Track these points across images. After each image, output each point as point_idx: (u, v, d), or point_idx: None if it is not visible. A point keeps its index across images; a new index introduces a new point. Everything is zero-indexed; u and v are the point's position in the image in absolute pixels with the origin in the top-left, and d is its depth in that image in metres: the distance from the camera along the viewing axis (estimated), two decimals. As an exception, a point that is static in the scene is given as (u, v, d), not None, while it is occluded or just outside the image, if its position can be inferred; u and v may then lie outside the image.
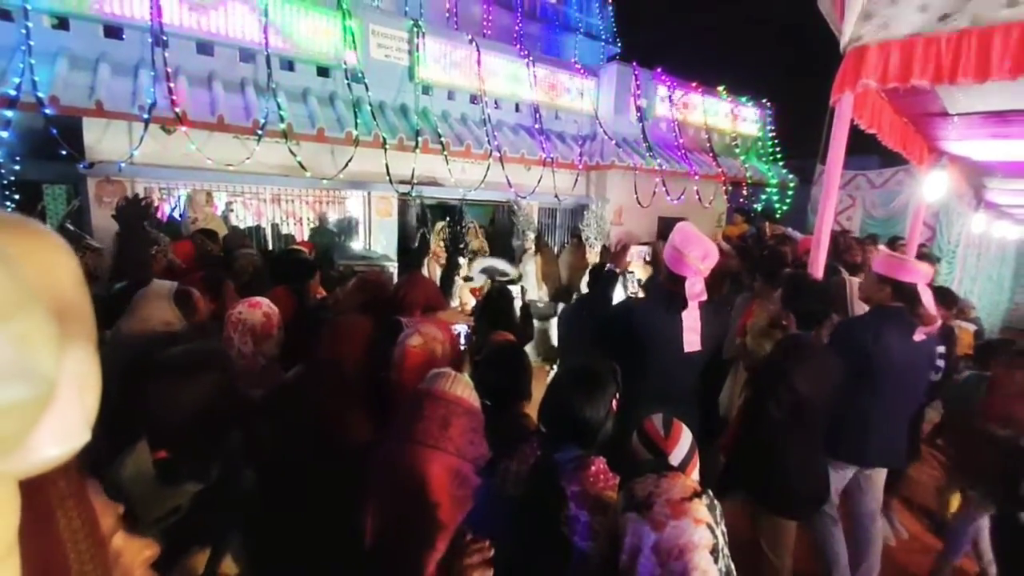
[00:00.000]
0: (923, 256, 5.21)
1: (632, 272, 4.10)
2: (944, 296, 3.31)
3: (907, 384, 2.41)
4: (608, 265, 2.50)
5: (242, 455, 1.39)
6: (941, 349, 3.13)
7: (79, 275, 0.41)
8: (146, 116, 4.01)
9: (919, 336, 2.33)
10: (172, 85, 4.16)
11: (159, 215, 4.60)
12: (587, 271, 5.48)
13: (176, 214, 4.85)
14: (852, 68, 2.44)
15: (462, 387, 1.23)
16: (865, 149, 4.88)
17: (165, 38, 4.27)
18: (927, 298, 2.34)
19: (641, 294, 4.41)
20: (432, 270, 5.53)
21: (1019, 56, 2.07)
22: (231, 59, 4.78)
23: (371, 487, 1.21)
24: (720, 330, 2.23)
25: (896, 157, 4.20)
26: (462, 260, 5.42)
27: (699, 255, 1.95)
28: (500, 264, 5.63)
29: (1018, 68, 2.08)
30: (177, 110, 4.11)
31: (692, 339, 2.01)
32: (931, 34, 2.25)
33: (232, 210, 5.71)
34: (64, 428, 0.37)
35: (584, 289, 5.32)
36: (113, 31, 4.29)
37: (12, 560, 0.40)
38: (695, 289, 1.97)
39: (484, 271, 5.44)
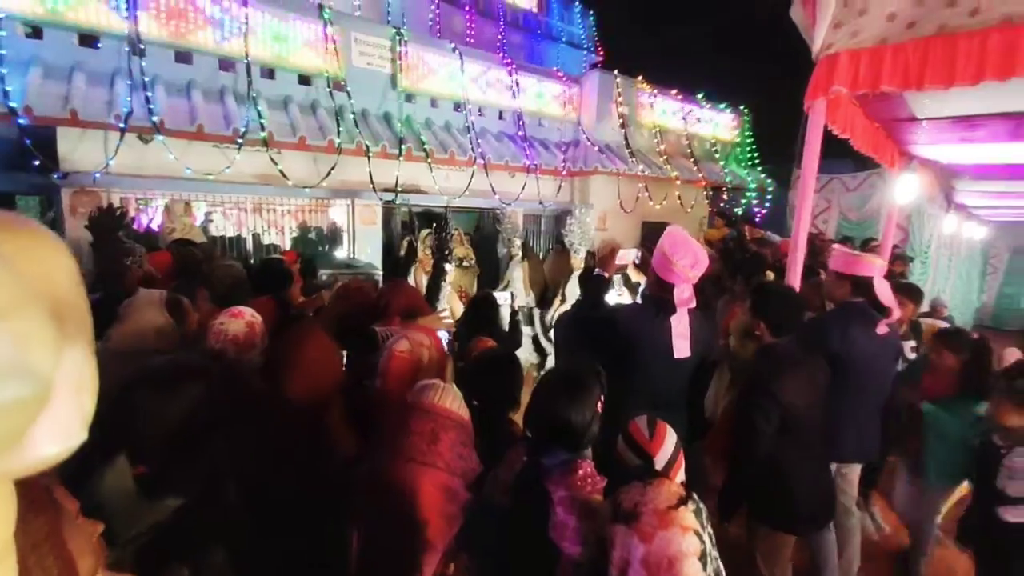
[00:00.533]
0: (897, 257, 5.37)
1: (628, 275, 4.12)
2: (910, 291, 3.42)
3: (874, 378, 2.46)
4: (596, 270, 2.50)
5: (226, 469, 1.35)
6: (913, 343, 3.21)
7: (77, 275, 0.41)
8: (123, 125, 3.94)
9: (882, 329, 2.38)
10: (149, 94, 4.09)
11: (135, 226, 4.50)
12: (571, 276, 5.52)
13: (154, 225, 4.75)
14: (824, 75, 2.51)
15: (451, 399, 1.20)
16: (839, 153, 5.00)
17: (142, 47, 4.20)
18: (883, 290, 2.40)
19: (627, 299, 4.43)
20: (419, 278, 5.49)
21: (982, 62, 2.15)
22: (210, 68, 4.73)
23: (356, 506, 1.18)
24: (709, 335, 2.21)
25: (869, 161, 4.32)
26: (448, 267, 5.41)
27: (688, 263, 1.92)
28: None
29: (981, 74, 2.16)
30: (155, 119, 4.04)
31: (681, 345, 1.99)
32: (899, 42, 2.33)
33: (212, 220, 5.61)
34: (62, 427, 0.37)
35: (569, 295, 5.34)
36: (88, 40, 4.22)
37: (9, 560, 0.40)
38: (684, 296, 1.94)
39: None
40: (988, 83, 2.16)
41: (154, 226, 4.71)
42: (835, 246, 3.15)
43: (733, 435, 2.62)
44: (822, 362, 2.13)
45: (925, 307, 4.50)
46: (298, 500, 1.36)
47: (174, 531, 1.12)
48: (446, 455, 1.12)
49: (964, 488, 3.13)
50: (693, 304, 2.00)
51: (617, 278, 4.13)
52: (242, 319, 1.75)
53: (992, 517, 2.29)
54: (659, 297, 2.00)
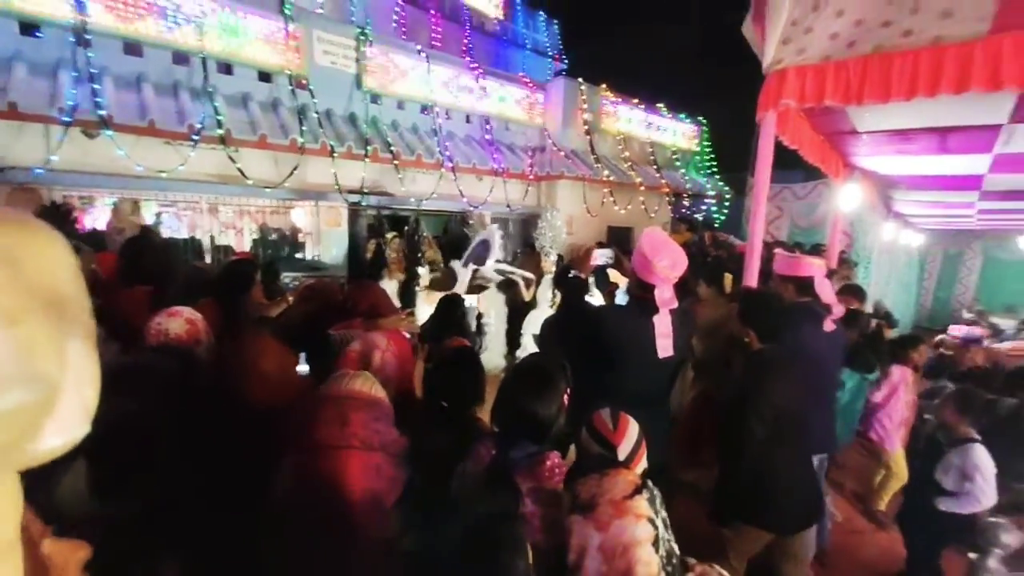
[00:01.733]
0: (844, 261, 5.71)
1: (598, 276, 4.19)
2: (855, 292, 3.69)
3: (826, 372, 2.60)
4: (573, 271, 2.52)
5: (183, 474, 1.31)
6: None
7: (76, 269, 0.42)
8: (67, 118, 3.73)
9: (829, 326, 2.53)
10: (96, 87, 3.90)
11: (78, 226, 4.25)
12: (541, 279, 5.57)
13: (99, 225, 4.50)
14: (774, 89, 2.66)
15: (360, 382, 1.22)
16: (790, 164, 5.29)
17: (88, 37, 4.00)
18: (824, 289, 2.56)
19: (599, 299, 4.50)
20: (392, 281, 5.40)
21: (914, 79, 2.34)
22: (163, 61, 4.54)
23: (279, 504, 1.16)
24: (688, 334, 2.24)
25: (817, 171, 4.59)
26: (421, 270, 5.37)
27: (668, 264, 1.94)
28: (515, 269, 5.52)
29: (913, 90, 2.35)
30: (102, 112, 3.85)
31: (665, 344, 2.02)
32: (840, 59, 2.51)
33: (162, 222, 5.37)
34: (65, 421, 0.38)
35: (540, 298, 5.38)
36: (29, 28, 3.97)
37: (15, 555, 0.41)
38: (664, 296, 1.97)
39: (498, 271, 5.35)
40: (920, 99, 2.35)
41: (99, 226, 4.47)
42: (776, 250, 3.33)
43: (698, 430, 2.72)
44: (805, 368, 2.17)
45: (868, 309, 4.81)
46: (257, 506, 1.33)
47: (127, 535, 1.08)
48: (360, 433, 1.13)
49: (904, 477, 3.38)
50: (674, 304, 2.04)
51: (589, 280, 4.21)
52: (180, 317, 1.70)
53: (927, 505, 2.50)
54: (641, 298, 2.03)
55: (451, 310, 2.63)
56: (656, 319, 1.99)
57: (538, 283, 5.62)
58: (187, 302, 1.94)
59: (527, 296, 5.41)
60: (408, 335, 2.21)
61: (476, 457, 1.28)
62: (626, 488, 1.02)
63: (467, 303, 2.77)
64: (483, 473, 1.23)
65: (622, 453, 1.22)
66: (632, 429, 1.24)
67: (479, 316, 3.42)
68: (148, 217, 4.95)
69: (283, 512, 1.13)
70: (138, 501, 1.14)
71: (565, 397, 1.35)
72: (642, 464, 1.24)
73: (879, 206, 6.38)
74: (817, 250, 5.87)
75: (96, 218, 4.54)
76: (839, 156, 4.42)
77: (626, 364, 2.00)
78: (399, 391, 1.52)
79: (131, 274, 2.53)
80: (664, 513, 1.09)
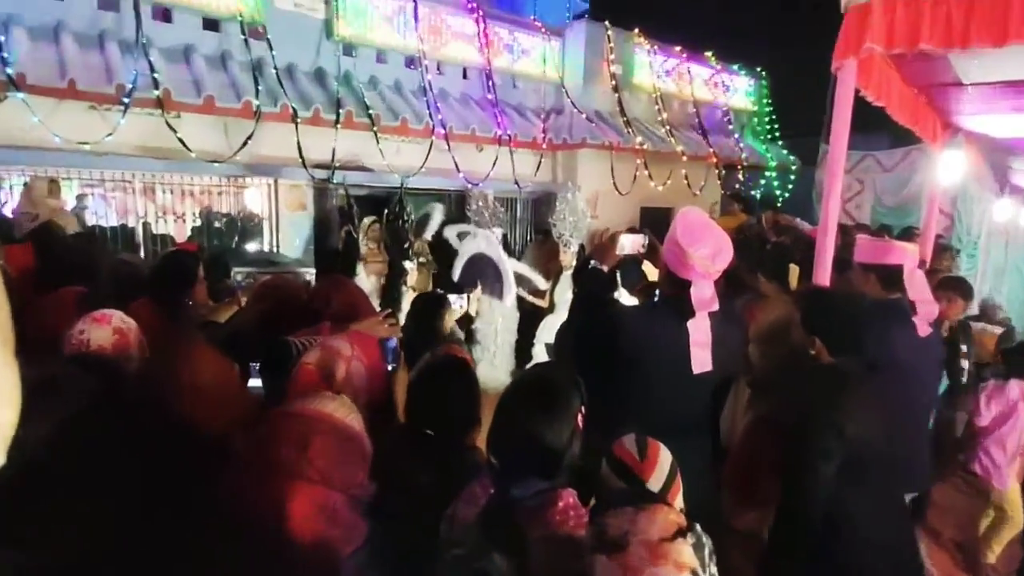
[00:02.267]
0: (943, 249, 5.62)
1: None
2: (958, 286, 3.59)
3: (919, 388, 2.54)
4: (592, 262, 2.49)
5: (100, 518, 1.32)
6: (964, 348, 3.39)
7: None
8: (-34, 79, 3.79)
9: (924, 329, 2.46)
10: (2, 39, 3.95)
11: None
12: (560, 276, 5.55)
13: (7, 210, 4.57)
14: (854, 30, 2.61)
15: (335, 405, 1.23)
16: (874, 126, 5.22)
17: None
18: (916, 281, 2.51)
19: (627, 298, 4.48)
20: (368, 279, 5.43)
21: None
22: (86, 6, 4.60)
23: (209, 534, 1.17)
24: (736, 344, 2.17)
25: (910, 135, 4.52)
26: (409, 265, 5.38)
27: (707, 254, 1.88)
28: (527, 271, 5.53)
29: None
30: (10, 71, 3.90)
31: (701, 356, 1.97)
32: (940, -10, 2.46)
33: (86, 205, 5.45)
34: None
35: (559, 300, 5.36)
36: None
37: None
38: (703, 295, 1.91)
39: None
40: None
41: (7, 211, 4.53)
42: (858, 235, 3.28)
43: (755, 464, 2.67)
44: (894, 389, 2.10)
45: (974, 309, 4.72)
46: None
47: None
48: (319, 462, 1.13)
49: (1020, 523, 3.31)
50: (715, 306, 1.97)
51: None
52: (108, 326, 1.72)
53: None
54: (673, 297, 1.98)
55: (428, 312, 2.62)
56: (691, 324, 1.94)
57: (556, 280, 5.60)
58: (117, 304, 1.97)
59: (543, 303, 5.41)
60: (392, 340, 2.21)
61: (469, 497, 1.28)
62: (666, 528, 1.00)
63: (455, 303, 2.72)
64: (478, 517, 1.23)
65: (653, 486, 1.22)
66: (664, 458, 1.23)
67: (470, 320, 3.40)
68: (70, 200, 5.02)
69: (213, 552, 1.13)
70: (48, 551, 1.15)
71: (579, 419, 1.33)
72: (679, 501, 1.23)
73: (989, 178, 6.27)
74: (909, 234, 5.79)
75: (4, 201, 4.61)
76: (937, 115, 4.35)
77: (650, 381, 1.95)
78: (369, 408, 1.52)
79: (50, 272, 2.58)
80: (714, 569, 1.08)
